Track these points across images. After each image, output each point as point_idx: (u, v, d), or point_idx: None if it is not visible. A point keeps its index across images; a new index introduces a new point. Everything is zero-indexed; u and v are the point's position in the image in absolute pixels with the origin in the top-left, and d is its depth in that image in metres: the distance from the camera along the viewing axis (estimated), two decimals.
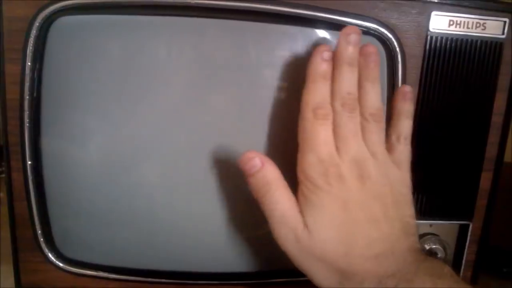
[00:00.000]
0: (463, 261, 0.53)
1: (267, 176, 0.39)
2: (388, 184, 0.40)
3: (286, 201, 0.39)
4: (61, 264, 0.49)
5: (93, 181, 0.48)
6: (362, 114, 0.40)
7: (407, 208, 0.41)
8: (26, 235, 0.48)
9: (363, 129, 0.40)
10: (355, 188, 0.38)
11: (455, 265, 0.53)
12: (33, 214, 0.47)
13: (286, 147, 0.46)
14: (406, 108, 0.43)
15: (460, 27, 0.46)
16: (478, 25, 0.47)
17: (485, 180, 0.51)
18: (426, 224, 0.52)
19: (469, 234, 0.52)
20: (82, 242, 0.49)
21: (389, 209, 0.39)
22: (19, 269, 0.49)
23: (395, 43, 0.46)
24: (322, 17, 0.45)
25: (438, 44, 0.46)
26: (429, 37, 0.46)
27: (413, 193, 0.47)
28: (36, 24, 0.43)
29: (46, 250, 0.48)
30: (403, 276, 0.36)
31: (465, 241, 0.52)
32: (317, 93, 0.39)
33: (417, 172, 0.48)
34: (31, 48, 0.43)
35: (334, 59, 0.40)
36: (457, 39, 0.46)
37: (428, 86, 0.47)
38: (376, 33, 0.45)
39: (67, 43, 0.44)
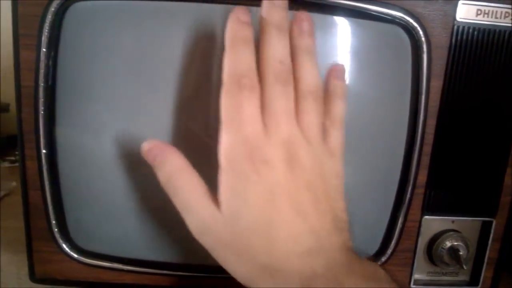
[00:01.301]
0: (485, 259, 0.51)
1: (169, 164, 0.36)
2: (320, 174, 0.35)
3: (193, 190, 0.35)
4: (75, 255, 0.48)
5: (108, 171, 0.47)
6: (298, 91, 0.34)
7: (339, 201, 0.37)
8: (40, 225, 0.47)
9: (298, 108, 0.34)
10: (283, 176, 0.33)
11: (477, 263, 0.52)
12: (47, 203, 0.46)
13: None
14: (339, 88, 0.38)
15: (488, 16, 0.45)
16: (507, 14, 0.45)
17: (510, 176, 0.49)
18: (448, 221, 0.50)
19: (492, 231, 0.50)
20: (97, 232, 0.48)
21: (320, 202, 0.34)
22: (33, 259, 0.49)
23: (421, 33, 0.44)
24: (346, 4, 0.43)
25: (465, 34, 0.45)
26: (455, 27, 0.44)
27: (436, 189, 0.46)
28: (52, 9, 0.42)
29: (60, 241, 0.48)
30: (333, 276, 0.32)
31: (488, 239, 0.51)
32: (239, 59, 0.33)
33: (440, 167, 0.47)
34: (46, 34, 0.42)
35: (260, 24, 0.34)
36: (484, 29, 0.45)
37: (453, 78, 0.46)
38: (401, 22, 0.44)
39: (82, 29, 0.43)
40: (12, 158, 0.98)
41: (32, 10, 0.42)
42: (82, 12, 0.42)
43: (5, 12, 1.04)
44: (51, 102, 0.44)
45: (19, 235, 0.65)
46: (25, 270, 0.55)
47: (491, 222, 0.50)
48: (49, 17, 0.42)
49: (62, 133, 0.45)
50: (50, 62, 0.43)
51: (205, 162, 0.46)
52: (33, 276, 0.49)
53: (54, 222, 0.47)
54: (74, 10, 0.42)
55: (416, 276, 0.52)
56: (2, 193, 0.81)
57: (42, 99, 0.44)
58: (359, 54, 0.46)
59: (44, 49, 0.42)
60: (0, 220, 0.72)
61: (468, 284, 0.53)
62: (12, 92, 1.08)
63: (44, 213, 0.47)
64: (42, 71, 0.43)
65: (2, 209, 0.77)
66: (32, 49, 0.43)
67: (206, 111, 0.46)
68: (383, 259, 0.50)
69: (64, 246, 0.48)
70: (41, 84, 0.43)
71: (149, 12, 0.44)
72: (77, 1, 0.42)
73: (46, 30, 0.42)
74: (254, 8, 0.37)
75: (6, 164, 0.89)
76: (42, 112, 0.44)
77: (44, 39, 0.42)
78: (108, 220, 0.48)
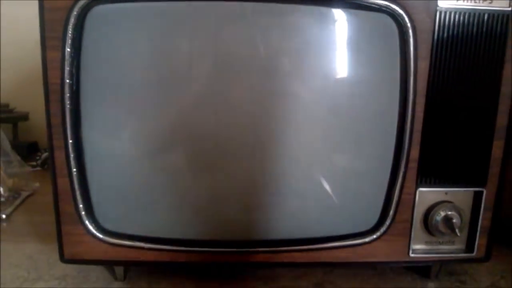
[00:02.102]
0: (478, 227, 0.55)
1: None
2: None
3: None
4: (100, 236, 0.53)
5: (130, 158, 0.52)
6: None
7: None
8: (68, 210, 0.52)
9: None
10: None
11: (471, 232, 0.56)
12: (74, 189, 0.51)
13: (300, 129, 0.51)
14: None
15: (467, 1, 0.49)
16: None
17: (497, 148, 0.53)
18: (441, 192, 0.54)
19: (483, 200, 0.54)
20: (120, 214, 0.53)
21: None
22: (62, 242, 0.53)
23: (406, 19, 0.48)
24: None
25: (447, 18, 0.49)
26: (438, 12, 0.49)
27: (428, 163, 0.51)
28: (74, 13, 0.47)
29: (86, 223, 0.52)
30: None
31: (480, 208, 0.54)
32: None
33: (432, 142, 0.51)
34: (69, 35, 0.47)
35: None
36: (465, 13, 0.49)
37: (439, 59, 0.50)
38: (388, 9, 0.48)
39: (102, 30, 0.48)
40: (34, 163, 1.04)
41: (57, 15, 0.47)
42: (101, 15, 0.47)
43: (23, 31, 1.11)
44: (76, 96, 0.49)
45: (45, 227, 0.71)
46: (53, 257, 0.60)
47: (481, 192, 0.54)
48: (72, 20, 0.47)
49: (86, 123, 0.50)
50: (74, 61, 0.48)
51: (214, 163, 0.51)
52: (63, 257, 0.54)
53: (81, 206, 0.52)
54: (94, 13, 0.47)
55: (414, 245, 0.55)
56: (27, 193, 0.86)
57: (68, 94, 0.48)
58: (351, 41, 0.50)
59: (68, 49, 0.47)
60: (27, 215, 0.78)
61: (464, 252, 0.56)
62: (30, 101, 1.15)
63: (71, 198, 0.52)
64: (67, 69, 0.48)
65: (28, 206, 0.82)
66: (57, 50, 0.48)
67: (218, 109, 0.51)
68: (382, 229, 0.54)
69: (91, 227, 0.52)
70: (67, 80, 0.48)
71: (163, 13, 0.49)
72: (97, 5, 0.47)
73: (70, 32, 0.47)
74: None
75: (29, 169, 0.94)
76: (68, 106, 0.49)
77: (68, 40, 0.47)
78: (130, 203, 0.53)
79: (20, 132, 1.14)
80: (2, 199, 0.83)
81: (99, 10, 0.47)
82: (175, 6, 0.49)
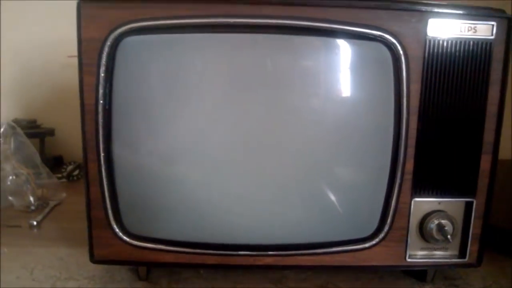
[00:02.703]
0: (470, 235, 0.60)
1: None
2: None
3: None
4: (126, 239, 0.59)
5: (152, 170, 0.58)
6: None
7: None
8: (99, 215, 0.58)
9: None
10: None
11: (464, 238, 0.61)
12: (105, 197, 0.58)
13: (305, 144, 0.57)
14: None
15: (454, 31, 0.55)
16: (470, 28, 0.55)
17: (485, 162, 0.59)
18: (434, 202, 0.59)
19: (473, 209, 0.59)
20: (144, 220, 0.59)
21: None
22: (93, 244, 0.60)
23: (399, 47, 0.54)
24: (338, 28, 0.54)
25: (435, 46, 0.55)
26: (427, 41, 0.55)
27: (422, 175, 0.56)
28: (108, 43, 0.54)
29: (115, 227, 0.59)
30: None
31: (470, 216, 0.60)
32: None
33: (425, 156, 0.57)
34: (103, 62, 0.54)
35: None
36: (452, 41, 0.55)
37: (429, 82, 0.56)
38: (382, 39, 0.54)
39: (131, 58, 0.55)
40: (59, 175, 1.11)
41: (93, 45, 0.54)
42: (131, 45, 0.54)
43: (50, 52, 1.19)
44: (108, 116, 0.56)
45: (72, 233, 0.77)
46: (81, 259, 0.67)
47: (472, 202, 0.59)
48: (106, 49, 0.54)
49: (117, 139, 0.56)
50: (107, 85, 0.55)
51: (227, 174, 0.57)
52: (93, 258, 0.60)
53: (110, 212, 0.58)
54: (125, 43, 0.54)
55: (410, 251, 0.61)
56: (55, 202, 0.94)
57: (101, 113, 0.55)
58: (350, 66, 0.56)
59: (102, 74, 0.54)
60: (56, 222, 0.84)
61: (457, 257, 0.61)
62: (56, 118, 1.24)
63: (102, 205, 0.58)
64: (101, 91, 0.55)
65: (56, 215, 0.89)
66: (93, 75, 0.55)
67: (230, 125, 0.57)
68: (381, 236, 0.59)
69: (118, 231, 0.59)
70: (100, 101, 0.55)
71: (184, 42, 0.56)
72: (127, 37, 0.54)
73: (104, 60, 0.54)
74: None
75: (56, 180, 1.01)
76: (101, 124, 0.55)
77: (102, 66, 0.54)
78: (153, 210, 0.59)
79: (46, 146, 1.21)
80: (33, 207, 0.90)
81: (129, 41, 0.54)
82: (194, 37, 0.56)
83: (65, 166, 1.14)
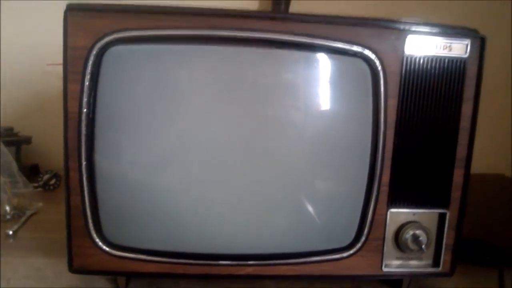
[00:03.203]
0: (443, 245, 0.62)
1: None
2: None
3: None
4: (107, 249, 0.59)
5: (134, 180, 0.58)
6: None
7: None
8: (79, 224, 0.58)
9: None
10: None
11: (437, 248, 0.63)
12: (85, 206, 0.57)
13: (285, 156, 0.59)
14: None
15: (430, 49, 0.58)
16: (445, 47, 0.58)
17: (458, 176, 0.61)
18: (410, 213, 0.61)
19: (446, 221, 0.62)
20: (124, 229, 0.59)
21: None
22: (72, 253, 0.59)
23: (377, 63, 0.57)
24: (319, 43, 0.56)
25: (412, 63, 0.57)
26: (405, 58, 0.57)
27: (398, 187, 0.58)
28: (93, 52, 0.54)
29: (94, 236, 0.58)
30: None
31: (444, 227, 0.62)
32: None
33: (401, 169, 0.59)
34: (88, 71, 0.55)
35: None
36: (428, 58, 0.58)
37: (406, 97, 0.58)
38: (362, 55, 0.56)
39: (117, 67, 0.56)
40: (36, 184, 1.09)
41: (78, 53, 0.55)
42: (117, 54, 0.55)
43: (29, 59, 1.18)
44: (92, 124, 0.56)
45: (49, 243, 0.76)
46: (59, 269, 0.66)
47: (445, 214, 0.62)
48: (91, 58, 0.54)
49: (99, 148, 0.57)
50: (92, 93, 0.55)
51: (208, 185, 0.58)
52: (71, 268, 0.60)
53: (90, 221, 0.58)
54: (111, 52, 0.55)
55: (386, 261, 0.62)
56: (31, 211, 0.92)
57: (85, 122, 0.55)
58: (330, 80, 0.58)
59: (87, 83, 0.55)
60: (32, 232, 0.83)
61: (431, 266, 0.63)
62: (34, 126, 1.22)
63: (82, 214, 0.58)
64: (85, 100, 0.55)
65: (32, 224, 0.88)
66: (77, 83, 0.55)
67: (213, 134, 0.58)
68: (358, 246, 0.61)
69: (98, 241, 0.59)
70: (84, 109, 0.55)
71: (170, 53, 0.57)
72: (113, 46, 0.54)
73: (89, 68, 0.55)
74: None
75: (32, 189, 1.00)
76: (84, 132, 0.56)
77: (87, 75, 0.55)
78: (134, 219, 0.59)
79: (22, 155, 1.19)
80: (8, 217, 0.88)
81: (115, 50, 0.55)
82: (179, 48, 0.57)
83: (41, 175, 1.12)
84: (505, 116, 1.27)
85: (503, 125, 1.26)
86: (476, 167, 0.62)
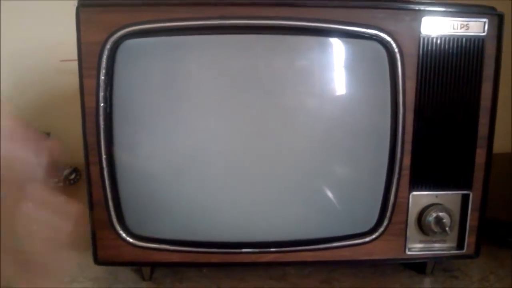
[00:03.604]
0: (467, 227, 0.61)
1: None
2: None
3: None
4: (130, 240, 0.59)
5: (155, 171, 0.59)
6: None
7: None
8: (102, 217, 0.59)
9: None
10: None
11: (461, 230, 0.62)
12: (107, 199, 0.58)
13: (304, 143, 0.59)
14: None
15: (447, 28, 0.56)
16: (462, 26, 0.56)
17: (480, 156, 0.60)
18: (432, 195, 0.61)
19: (470, 202, 0.61)
20: (148, 220, 0.60)
21: None
22: (96, 246, 0.60)
23: (394, 45, 0.56)
24: (333, 28, 0.55)
25: (429, 43, 0.56)
26: (421, 39, 0.56)
27: (419, 169, 0.57)
28: (107, 46, 0.54)
29: (118, 229, 0.59)
30: None
31: (467, 209, 0.61)
32: None
33: (421, 151, 0.58)
34: (103, 65, 0.55)
35: None
36: (445, 38, 0.56)
37: (424, 79, 0.57)
38: (377, 38, 0.55)
39: (131, 60, 0.56)
40: (56, 179, 1.10)
41: (92, 48, 0.55)
42: (130, 48, 0.55)
43: (44, 57, 1.19)
44: (110, 118, 0.56)
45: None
46: (84, 262, 0.66)
47: (468, 195, 0.61)
48: (105, 53, 0.54)
49: (118, 142, 0.57)
50: (108, 87, 0.55)
51: (227, 173, 0.58)
52: (96, 260, 0.61)
53: (113, 213, 0.59)
54: (124, 46, 0.55)
55: (410, 244, 0.62)
56: None
57: (102, 116, 0.56)
58: (346, 65, 0.57)
59: (102, 77, 0.55)
60: None
61: (455, 249, 0.63)
62: (51, 122, 1.23)
63: (104, 207, 0.59)
64: (101, 94, 0.55)
65: None
66: (93, 78, 0.55)
67: (229, 124, 0.59)
68: (381, 230, 0.60)
69: (122, 233, 0.59)
70: (101, 104, 0.55)
71: (181, 45, 0.57)
72: (127, 40, 0.54)
73: (103, 63, 0.55)
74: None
75: (52, 185, 1.01)
76: (102, 127, 0.56)
77: (102, 70, 0.55)
78: (156, 210, 0.60)
79: None
80: None
81: (128, 44, 0.55)
82: (192, 39, 0.57)
83: (60, 170, 1.14)
84: None
85: None
86: (495, 147, 0.61)
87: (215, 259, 0.61)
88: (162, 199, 0.59)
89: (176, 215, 0.60)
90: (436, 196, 0.61)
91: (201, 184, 0.59)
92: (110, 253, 0.60)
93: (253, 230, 0.61)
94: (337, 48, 0.57)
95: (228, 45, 0.57)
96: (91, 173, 0.58)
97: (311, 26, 0.55)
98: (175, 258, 0.60)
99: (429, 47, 0.56)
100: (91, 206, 0.59)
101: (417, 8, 0.56)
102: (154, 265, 0.63)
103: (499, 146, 0.63)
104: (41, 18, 1.22)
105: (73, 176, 1.14)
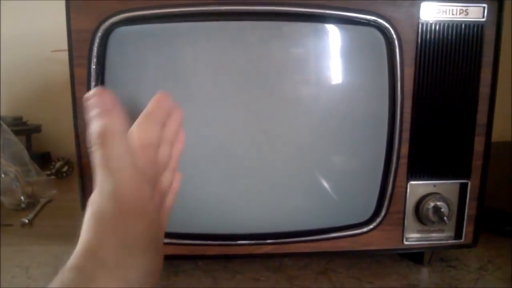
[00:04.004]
0: (465, 216, 0.61)
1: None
2: None
3: None
4: None
5: None
6: None
7: None
8: None
9: None
10: None
11: (459, 220, 0.61)
12: None
13: (300, 132, 0.58)
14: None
15: (446, 14, 0.55)
16: (461, 11, 0.55)
17: (479, 144, 0.59)
18: (430, 185, 0.60)
19: (468, 191, 0.60)
20: None
21: None
22: None
23: (392, 31, 0.54)
24: (331, 13, 0.54)
25: (428, 30, 0.55)
26: (420, 24, 0.55)
27: (417, 158, 0.57)
28: (98, 34, 0.53)
29: None
30: None
31: (466, 198, 0.60)
32: None
33: (419, 140, 0.57)
34: (94, 54, 0.53)
35: None
36: (444, 24, 0.55)
37: (423, 65, 0.56)
38: (375, 24, 0.54)
39: (123, 48, 0.54)
40: (48, 172, 1.09)
41: (83, 36, 0.53)
42: (122, 35, 0.53)
43: (33, 47, 1.17)
44: None
45: (65, 230, 0.76)
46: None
47: (466, 184, 0.60)
48: (97, 40, 0.53)
49: None
50: (99, 77, 0.54)
51: (225, 165, 0.57)
52: None
53: None
54: (116, 34, 0.53)
55: (407, 234, 0.61)
56: (45, 199, 0.92)
57: None
58: (344, 52, 0.56)
59: (93, 66, 0.53)
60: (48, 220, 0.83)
61: (453, 238, 0.62)
62: (43, 114, 1.21)
63: None
64: (93, 84, 0.54)
65: (47, 212, 0.88)
66: (84, 67, 0.54)
67: (225, 115, 0.57)
68: (378, 220, 0.60)
69: None
70: None
71: (174, 32, 0.55)
72: (118, 27, 0.53)
73: (95, 51, 0.53)
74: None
75: (46, 177, 1.00)
76: None
77: (93, 58, 0.53)
78: None
79: (33, 143, 1.19)
80: (23, 205, 0.88)
81: (120, 31, 0.53)
82: (185, 26, 0.55)
83: (53, 163, 1.12)
84: None
85: None
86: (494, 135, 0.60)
87: (211, 251, 0.60)
88: None
89: (182, 208, 0.58)
90: (434, 185, 0.60)
91: (197, 175, 0.58)
92: None
93: (249, 221, 0.60)
94: (334, 35, 0.56)
95: (223, 32, 0.56)
96: (83, 165, 0.56)
97: (307, 12, 0.54)
98: (169, 250, 0.58)
99: (428, 33, 0.55)
100: (83, 199, 0.57)
101: None
102: None
103: (497, 134, 0.62)
104: (30, 6, 1.20)
105: (65, 168, 1.12)
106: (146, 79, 0.55)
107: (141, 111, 0.55)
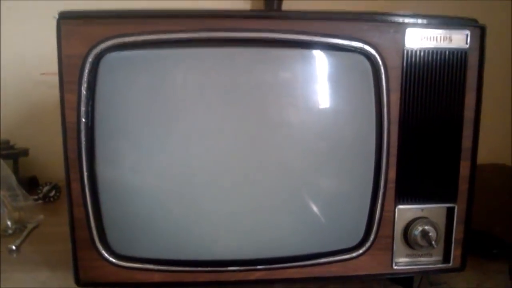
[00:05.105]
0: (453, 240, 0.61)
1: None
2: None
3: None
4: (113, 260, 0.58)
5: (137, 188, 0.57)
6: None
7: None
8: (83, 236, 0.57)
9: None
10: None
11: (447, 244, 0.62)
12: (89, 217, 0.56)
13: (288, 156, 0.58)
14: None
15: (430, 41, 0.57)
16: (445, 38, 0.57)
17: (464, 168, 0.60)
18: (418, 209, 0.61)
19: (455, 215, 0.61)
20: (131, 239, 0.58)
21: None
22: (78, 267, 0.58)
23: (378, 58, 0.56)
24: (318, 40, 0.55)
25: (413, 56, 0.57)
26: (405, 51, 0.56)
27: (404, 183, 0.57)
28: (89, 60, 0.53)
29: (100, 248, 0.57)
30: None
31: (453, 222, 0.61)
32: None
33: (406, 164, 0.58)
34: (85, 79, 0.54)
35: None
36: (429, 51, 0.57)
37: (408, 91, 0.57)
38: (362, 51, 0.56)
39: (113, 74, 0.55)
40: (35, 196, 1.08)
41: (73, 61, 0.53)
42: (113, 61, 0.54)
43: (23, 70, 1.17)
44: (91, 134, 0.55)
45: (53, 256, 0.75)
46: (65, 283, 0.64)
47: (453, 208, 0.61)
48: (87, 66, 0.53)
49: (100, 158, 0.56)
50: (90, 102, 0.54)
51: (211, 190, 0.57)
52: (78, 282, 0.59)
53: (94, 232, 0.57)
54: (106, 59, 0.54)
55: (396, 259, 0.61)
56: (33, 225, 0.91)
57: (84, 132, 0.54)
58: (331, 77, 0.57)
59: (84, 92, 0.54)
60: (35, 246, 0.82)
61: (442, 262, 0.62)
62: (31, 137, 1.21)
63: (86, 226, 0.57)
64: (83, 109, 0.54)
65: (35, 237, 0.86)
66: (74, 93, 0.54)
67: (213, 140, 0.58)
68: (367, 244, 0.60)
69: (104, 252, 0.58)
70: (83, 119, 0.54)
71: (164, 58, 0.56)
72: (109, 53, 0.53)
73: (85, 77, 0.54)
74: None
75: (33, 202, 0.99)
76: (84, 142, 0.55)
77: (83, 84, 0.54)
78: (139, 229, 0.58)
79: (20, 167, 1.18)
80: (10, 231, 0.87)
81: (110, 57, 0.54)
82: (175, 52, 0.56)
83: (40, 187, 1.11)
84: (505, 105, 1.26)
85: (504, 115, 1.26)
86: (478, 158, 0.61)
87: (201, 278, 0.59)
88: (145, 217, 0.57)
89: (159, 233, 0.58)
90: (422, 209, 0.61)
91: (187, 201, 0.58)
92: (92, 274, 0.58)
93: (239, 247, 0.60)
94: (322, 61, 0.57)
95: (212, 58, 0.57)
96: (72, 190, 0.56)
97: (295, 39, 0.55)
98: (159, 278, 0.59)
99: (413, 60, 0.57)
100: (72, 225, 0.57)
101: (400, 21, 0.56)
102: (139, 286, 0.61)
103: (482, 157, 0.63)
104: (20, 29, 1.20)
105: (53, 193, 1.11)
106: (136, 104, 0.56)
107: (132, 135, 0.56)
